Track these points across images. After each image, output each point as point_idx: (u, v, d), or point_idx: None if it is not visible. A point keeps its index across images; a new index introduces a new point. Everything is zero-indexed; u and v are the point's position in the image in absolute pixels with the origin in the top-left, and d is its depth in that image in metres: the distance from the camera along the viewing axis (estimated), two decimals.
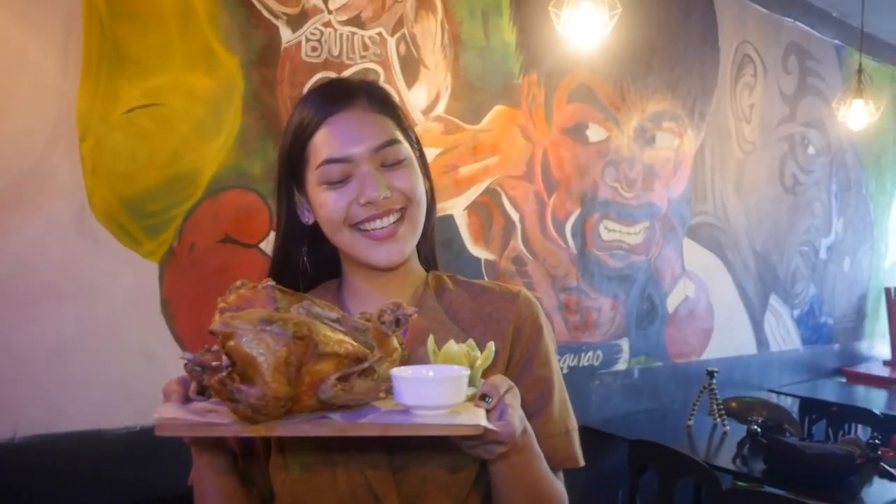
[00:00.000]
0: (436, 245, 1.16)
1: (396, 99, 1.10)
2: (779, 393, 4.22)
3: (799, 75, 4.46)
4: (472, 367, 0.89)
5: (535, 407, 1.04)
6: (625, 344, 3.47)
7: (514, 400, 0.83)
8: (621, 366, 3.46)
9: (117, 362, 2.07)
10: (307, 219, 1.07)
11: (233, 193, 2.26)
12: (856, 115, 4.00)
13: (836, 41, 4.70)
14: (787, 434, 3.04)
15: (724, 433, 3.16)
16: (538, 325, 1.08)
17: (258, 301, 0.85)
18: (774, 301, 4.35)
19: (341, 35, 2.48)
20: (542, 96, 3.08)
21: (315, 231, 1.07)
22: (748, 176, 4.13)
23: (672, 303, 3.69)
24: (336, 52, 2.47)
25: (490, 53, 2.92)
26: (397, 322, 0.83)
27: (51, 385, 1.98)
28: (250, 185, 2.29)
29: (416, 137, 1.10)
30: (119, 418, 2.06)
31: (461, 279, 1.13)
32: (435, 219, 1.13)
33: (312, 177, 1.02)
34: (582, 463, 1.08)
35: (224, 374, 0.75)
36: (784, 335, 4.44)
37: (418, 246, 1.10)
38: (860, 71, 3.93)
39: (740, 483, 2.91)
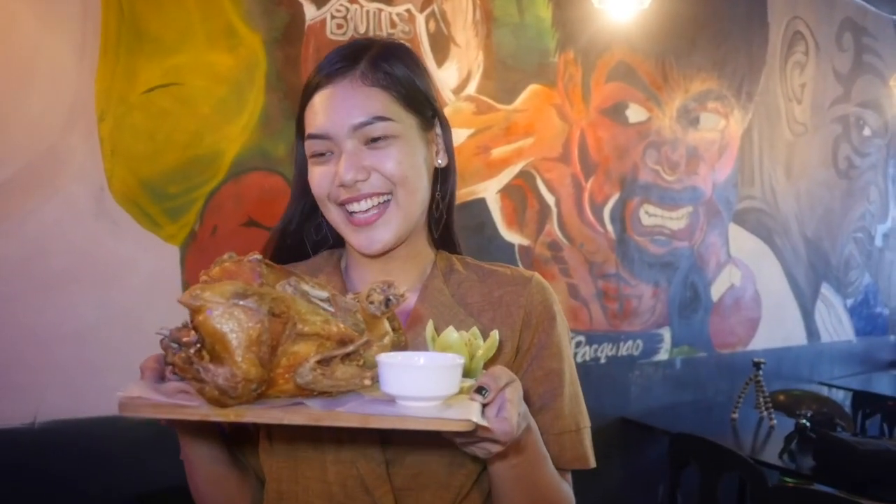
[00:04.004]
0: (453, 226, 1.07)
1: (421, 64, 1.01)
2: (830, 386, 4.05)
3: (854, 53, 4.24)
4: (472, 357, 0.82)
5: (544, 401, 0.98)
6: (666, 333, 3.34)
7: (514, 395, 0.76)
8: (662, 356, 3.34)
9: (138, 348, 2.00)
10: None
11: (255, 175, 2.21)
12: None
13: (895, 17, 4.46)
14: (839, 429, 2.89)
15: (771, 427, 3.02)
16: (551, 312, 1.01)
17: (243, 275, 0.78)
18: (826, 290, 4.17)
19: (368, 11, 2.40)
20: (579, 75, 2.96)
21: None
22: (799, 159, 3.95)
23: (717, 291, 3.55)
24: (362, 30, 2.39)
25: (524, 30, 2.80)
26: (387, 303, 0.76)
27: (71, 370, 1.95)
28: (274, 167, 2.23)
29: (434, 110, 1.01)
30: None
31: (471, 261, 1.06)
32: (452, 198, 1.05)
33: (306, 146, 0.98)
34: (592, 464, 1.00)
35: (192, 350, 0.69)
36: (836, 325, 4.25)
37: (433, 226, 1.04)
38: None
39: (787, 479, 2.77)
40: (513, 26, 2.77)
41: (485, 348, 0.83)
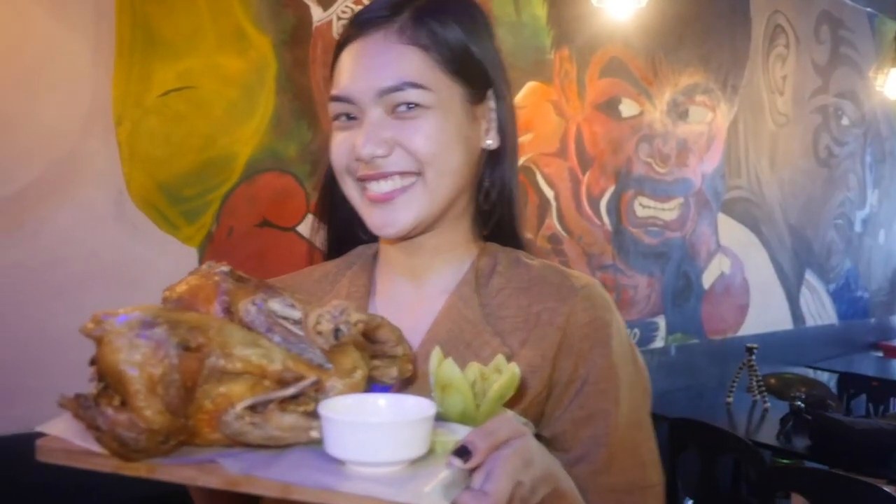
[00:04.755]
0: (516, 220, 0.89)
1: (482, 24, 0.86)
2: (815, 368, 4.16)
3: (831, 45, 4.36)
4: (480, 400, 0.65)
5: (585, 449, 0.77)
6: (661, 321, 3.42)
7: (514, 459, 0.57)
8: (658, 343, 3.42)
9: None
10: None
11: (268, 176, 2.24)
12: (893, 85, 3.91)
13: (869, 9, 4.59)
14: (830, 410, 2.99)
15: (765, 410, 3.12)
16: (602, 335, 0.79)
17: (206, 291, 0.66)
18: (810, 276, 4.29)
19: None
20: (574, 71, 3.02)
21: None
22: (782, 149, 4.05)
23: (708, 279, 3.64)
24: None
25: (521, 28, 2.86)
26: (336, 333, 0.62)
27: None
28: (286, 168, 2.26)
29: (489, 81, 0.84)
30: None
31: (524, 261, 0.86)
32: (507, 188, 0.87)
33: (329, 108, 0.83)
34: None
35: (94, 390, 0.58)
36: (820, 310, 4.37)
37: (479, 220, 0.88)
38: None
39: (781, 460, 2.87)
40: (510, 25, 2.82)
41: (499, 386, 0.65)
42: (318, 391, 0.61)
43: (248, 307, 0.64)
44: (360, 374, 0.63)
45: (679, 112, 3.44)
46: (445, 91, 0.79)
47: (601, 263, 3.15)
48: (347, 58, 0.80)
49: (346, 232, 0.93)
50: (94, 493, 1.95)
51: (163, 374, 0.56)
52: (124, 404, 0.56)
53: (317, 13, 2.33)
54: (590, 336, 0.78)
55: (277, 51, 2.25)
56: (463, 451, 0.56)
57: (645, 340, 3.35)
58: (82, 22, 1.95)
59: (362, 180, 0.80)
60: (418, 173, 0.78)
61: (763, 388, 3.17)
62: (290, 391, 0.60)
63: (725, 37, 3.67)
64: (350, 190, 0.83)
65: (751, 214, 3.87)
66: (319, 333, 0.62)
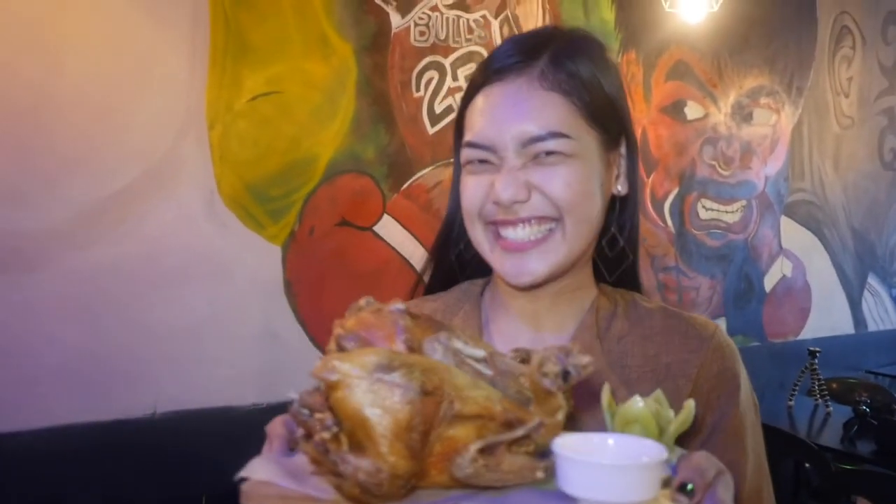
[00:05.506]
0: (637, 265, 0.90)
1: (613, 65, 0.86)
2: (877, 374, 4.11)
3: None
4: (660, 433, 0.65)
5: None
6: (722, 323, 3.42)
7: (727, 494, 0.58)
8: None
9: (244, 341, 2.16)
10: None
11: (348, 178, 2.32)
12: None
13: None
14: None
15: (828, 414, 3.11)
16: (731, 386, 0.80)
17: (382, 328, 0.64)
18: (872, 280, 4.23)
19: (447, 19, 2.51)
20: (640, 74, 3.05)
21: None
22: (846, 151, 4.01)
23: (769, 282, 3.63)
24: (443, 36, 2.50)
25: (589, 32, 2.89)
26: (565, 375, 0.62)
27: (186, 363, 2.08)
28: (364, 170, 2.35)
29: (622, 126, 0.84)
30: (246, 395, 2.15)
31: (643, 305, 0.86)
32: (635, 233, 0.88)
33: (462, 154, 0.83)
34: None
35: (328, 435, 0.56)
36: (882, 315, 4.32)
37: (603, 266, 0.87)
38: None
39: (844, 465, 2.86)
40: None
41: (677, 422, 0.65)
42: (537, 433, 0.60)
43: (434, 345, 0.63)
44: (561, 414, 0.62)
45: (743, 114, 3.44)
46: (585, 138, 0.79)
47: (664, 265, 3.18)
48: (485, 103, 0.80)
49: (453, 272, 0.94)
50: (206, 473, 2.04)
51: (409, 419, 0.55)
52: (353, 448, 0.56)
53: (395, 20, 2.40)
54: (719, 387, 0.80)
55: (358, 56, 2.33)
56: (685, 487, 0.57)
57: None
58: (180, 30, 2.05)
59: (495, 225, 0.80)
60: (555, 219, 0.78)
61: (825, 393, 3.16)
62: (520, 433, 0.59)
63: (791, 38, 3.65)
64: (479, 235, 0.82)
65: (814, 217, 3.85)
66: (545, 375, 0.61)
